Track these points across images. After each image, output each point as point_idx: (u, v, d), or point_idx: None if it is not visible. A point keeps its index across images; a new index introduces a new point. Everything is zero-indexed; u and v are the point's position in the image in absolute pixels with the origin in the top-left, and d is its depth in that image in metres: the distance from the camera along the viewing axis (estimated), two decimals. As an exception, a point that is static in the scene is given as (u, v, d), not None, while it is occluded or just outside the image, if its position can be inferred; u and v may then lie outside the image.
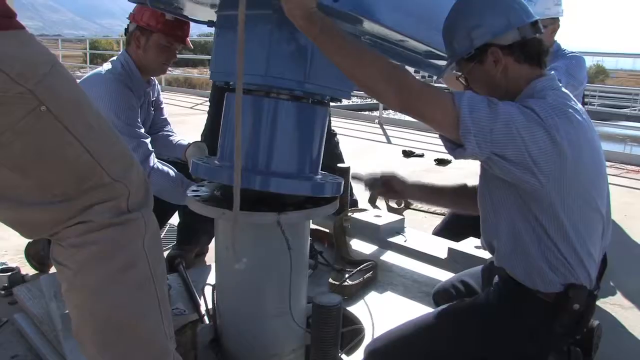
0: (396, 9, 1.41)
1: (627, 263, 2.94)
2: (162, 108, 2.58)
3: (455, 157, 1.31)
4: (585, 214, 1.32)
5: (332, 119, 2.97)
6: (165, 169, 2.19)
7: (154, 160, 2.17)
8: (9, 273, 2.21)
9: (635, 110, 15.52)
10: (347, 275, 2.26)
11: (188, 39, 2.29)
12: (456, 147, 1.28)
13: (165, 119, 2.60)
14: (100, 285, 1.11)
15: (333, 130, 3.22)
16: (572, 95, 1.39)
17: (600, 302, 2.32)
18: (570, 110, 1.30)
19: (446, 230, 2.85)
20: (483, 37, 1.38)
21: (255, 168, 1.47)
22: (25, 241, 2.46)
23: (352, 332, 1.91)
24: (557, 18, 2.89)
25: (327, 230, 2.83)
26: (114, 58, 2.27)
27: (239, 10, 1.11)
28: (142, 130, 2.20)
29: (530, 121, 1.24)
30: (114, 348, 1.15)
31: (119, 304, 1.12)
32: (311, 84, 1.44)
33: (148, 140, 2.19)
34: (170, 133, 2.58)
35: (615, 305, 2.39)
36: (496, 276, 1.48)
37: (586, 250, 1.34)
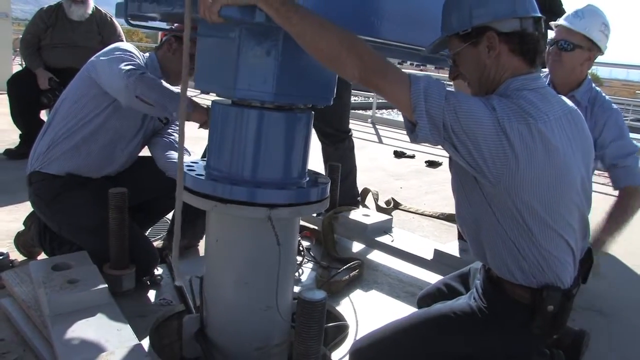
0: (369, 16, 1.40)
1: (614, 264, 2.96)
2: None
3: (411, 140, 1.32)
4: (550, 222, 1.32)
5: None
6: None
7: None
8: (-2, 258, 2.22)
9: (627, 120, 15.66)
10: (333, 273, 2.29)
11: None
12: (414, 130, 1.28)
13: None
14: None
15: (350, 131, 3.26)
16: (559, 99, 1.37)
17: (584, 306, 2.34)
18: (533, 117, 1.26)
19: None
20: (484, 17, 1.35)
21: (240, 178, 1.49)
22: (15, 227, 2.47)
23: (336, 328, 1.94)
24: (597, 46, 2.25)
25: (316, 228, 2.86)
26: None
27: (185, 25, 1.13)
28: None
29: (486, 118, 1.24)
30: None
31: None
32: (285, 95, 1.45)
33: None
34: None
35: (599, 311, 2.42)
36: (477, 276, 1.51)
37: (553, 253, 1.34)
